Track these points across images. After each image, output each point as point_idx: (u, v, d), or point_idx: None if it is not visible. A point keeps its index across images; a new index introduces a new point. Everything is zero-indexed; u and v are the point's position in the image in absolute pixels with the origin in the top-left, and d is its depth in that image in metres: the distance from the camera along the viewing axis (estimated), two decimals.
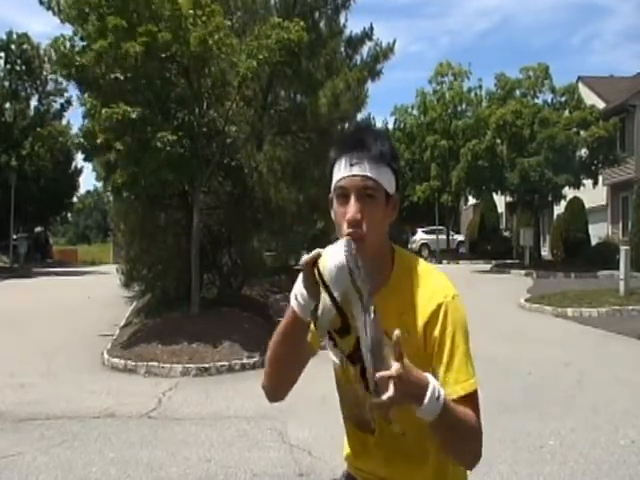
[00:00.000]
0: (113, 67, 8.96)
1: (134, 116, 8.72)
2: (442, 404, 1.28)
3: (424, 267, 1.51)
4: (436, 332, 1.43)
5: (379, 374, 1.19)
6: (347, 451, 1.65)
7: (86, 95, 9.94)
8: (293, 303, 1.36)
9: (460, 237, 40.65)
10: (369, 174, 1.40)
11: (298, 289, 1.35)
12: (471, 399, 1.42)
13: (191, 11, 9.02)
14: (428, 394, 1.25)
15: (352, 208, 1.39)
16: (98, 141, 9.29)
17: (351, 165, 1.40)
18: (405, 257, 1.52)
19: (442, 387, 1.36)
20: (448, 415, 1.29)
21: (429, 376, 1.28)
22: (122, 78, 8.98)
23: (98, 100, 9.32)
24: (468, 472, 1.57)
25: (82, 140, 9.79)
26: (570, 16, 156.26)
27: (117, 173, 9.84)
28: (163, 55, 9.06)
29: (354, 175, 1.40)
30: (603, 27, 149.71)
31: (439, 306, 1.44)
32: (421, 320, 1.44)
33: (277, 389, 1.54)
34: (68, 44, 9.44)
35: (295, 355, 1.47)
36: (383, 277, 1.47)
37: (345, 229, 1.39)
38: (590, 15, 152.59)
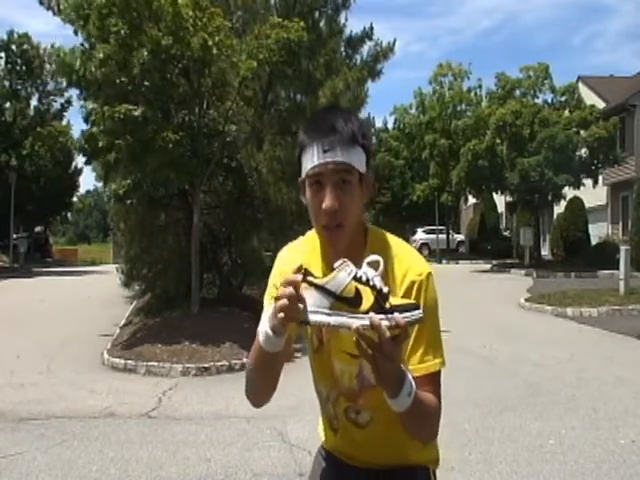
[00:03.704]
0: (117, 73, 8.96)
1: (137, 114, 8.72)
2: (412, 398, 1.29)
3: (397, 244, 1.51)
4: None
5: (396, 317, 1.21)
6: (321, 429, 1.71)
7: (87, 98, 9.95)
8: (261, 340, 1.33)
9: (460, 237, 40.70)
10: (342, 159, 1.38)
11: (263, 328, 1.31)
12: (433, 379, 1.44)
13: (191, 13, 9.03)
14: (404, 391, 1.28)
15: (328, 198, 1.39)
16: (100, 144, 9.29)
17: (324, 152, 1.38)
18: (378, 235, 1.52)
19: (407, 363, 1.40)
20: (415, 406, 1.31)
21: (406, 371, 1.30)
22: (125, 81, 8.98)
23: (99, 102, 9.34)
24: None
25: (84, 144, 9.77)
26: (572, 15, 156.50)
27: (117, 183, 9.85)
28: (164, 56, 9.07)
29: (327, 162, 1.38)
30: (604, 27, 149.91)
31: (412, 283, 1.44)
32: (395, 296, 1.44)
33: (262, 400, 1.55)
34: (67, 52, 9.46)
35: (273, 373, 1.47)
36: (356, 257, 1.45)
37: (322, 219, 1.41)
38: (591, 15, 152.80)
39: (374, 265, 1.27)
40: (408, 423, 1.38)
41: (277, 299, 1.23)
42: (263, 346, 1.33)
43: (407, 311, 1.23)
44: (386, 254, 1.46)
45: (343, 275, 1.23)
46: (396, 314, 1.21)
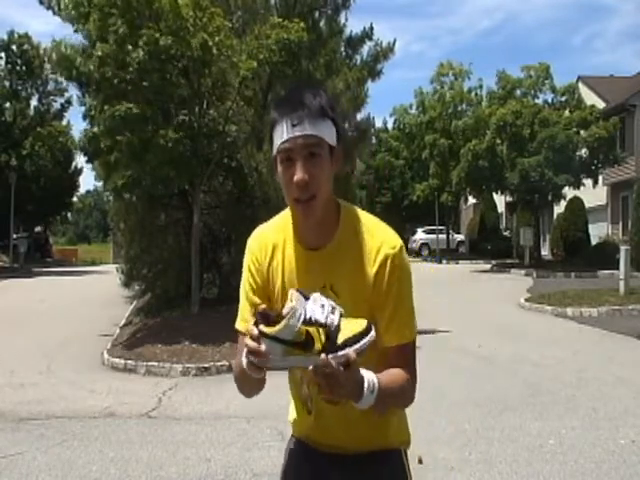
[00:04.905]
0: (115, 73, 8.96)
1: (136, 111, 8.71)
2: (376, 394, 1.33)
3: (369, 219, 1.54)
4: (384, 283, 1.46)
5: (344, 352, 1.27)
6: (292, 417, 1.71)
7: (87, 96, 9.96)
8: (244, 365, 1.33)
9: (460, 237, 40.69)
10: (311, 132, 1.40)
11: (242, 360, 1.33)
12: (406, 349, 1.49)
13: (192, 13, 9.03)
14: (365, 393, 1.32)
15: (299, 171, 1.40)
16: (102, 145, 9.30)
17: (293, 126, 1.40)
18: (350, 211, 1.54)
19: (382, 335, 1.44)
20: (381, 396, 1.35)
21: (364, 374, 1.33)
22: (124, 81, 8.98)
23: (99, 100, 9.34)
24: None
25: (86, 144, 9.77)
26: (572, 15, 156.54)
27: (117, 175, 9.84)
28: (163, 56, 9.06)
29: (296, 136, 1.40)
30: (605, 27, 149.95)
31: (386, 257, 1.47)
32: (370, 271, 1.47)
33: (251, 395, 1.58)
34: (69, 47, 9.47)
35: (257, 383, 1.48)
36: (329, 233, 1.50)
37: (294, 192, 1.43)
38: (592, 15, 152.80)
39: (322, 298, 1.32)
40: (377, 408, 1.41)
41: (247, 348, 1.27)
42: (245, 369, 1.34)
43: (358, 342, 1.29)
44: (358, 229, 1.50)
45: (293, 322, 1.25)
46: (347, 349, 1.27)
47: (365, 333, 1.31)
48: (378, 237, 1.49)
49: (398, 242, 1.50)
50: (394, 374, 1.44)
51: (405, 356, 1.49)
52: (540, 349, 8.88)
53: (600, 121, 22.06)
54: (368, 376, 1.33)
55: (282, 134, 1.41)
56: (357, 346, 1.28)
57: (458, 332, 10.02)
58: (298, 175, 1.40)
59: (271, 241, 1.58)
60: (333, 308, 1.31)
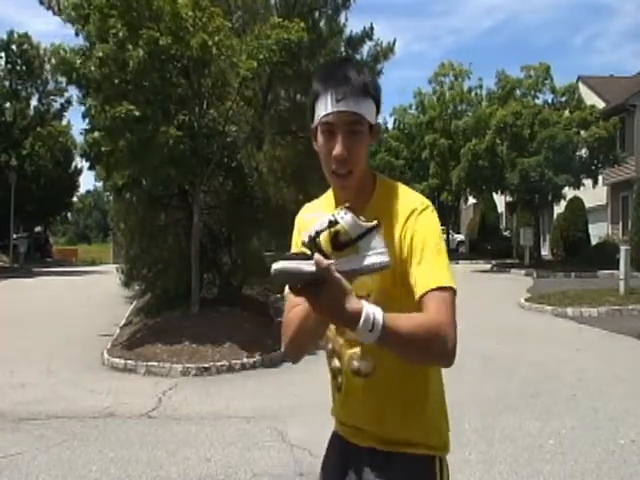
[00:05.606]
0: (115, 72, 8.97)
1: (137, 114, 8.71)
2: (378, 334, 1.28)
3: (404, 188, 1.60)
4: (409, 234, 1.48)
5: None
6: (332, 407, 1.70)
7: (87, 97, 9.95)
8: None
9: (460, 237, 40.67)
10: (354, 110, 1.45)
11: None
12: (436, 295, 1.40)
13: (191, 13, 9.03)
14: (360, 327, 1.28)
15: (339, 146, 1.46)
16: (103, 149, 9.30)
17: (337, 101, 1.45)
18: (385, 182, 1.60)
19: (415, 292, 1.42)
20: (392, 338, 1.30)
21: (365, 305, 1.29)
22: (124, 81, 8.98)
23: (99, 100, 9.34)
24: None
25: (87, 149, 9.76)
26: (573, 15, 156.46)
27: (117, 175, 9.84)
28: (163, 56, 9.06)
29: (340, 111, 1.45)
30: (606, 27, 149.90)
31: (413, 211, 1.51)
32: (398, 226, 1.50)
33: (302, 354, 1.58)
34: (68, 50, 9.46)
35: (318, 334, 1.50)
36: (364, 198, 1.55)
37: (332, 165, 1.48)
38: (593, 15, 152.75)
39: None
40: (396, 352, 1.39)
41: None
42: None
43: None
44: (392, 194, 1.56)
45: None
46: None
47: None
48: (410, 196, 1.56)
49: (428, 202, 1.56)
50: (417, 315, 1.38)
51: (435, 303, 1.39)
52: (540, 349, 8.89)
53: (600, 121, 22.06)
54: (369, 313, 1.28)
55: (326, 107, 1.46)
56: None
57: (458, 332, 10.01)
58: (337, 150, 1.46)
59: (312, 211, 1.66)
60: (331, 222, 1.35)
